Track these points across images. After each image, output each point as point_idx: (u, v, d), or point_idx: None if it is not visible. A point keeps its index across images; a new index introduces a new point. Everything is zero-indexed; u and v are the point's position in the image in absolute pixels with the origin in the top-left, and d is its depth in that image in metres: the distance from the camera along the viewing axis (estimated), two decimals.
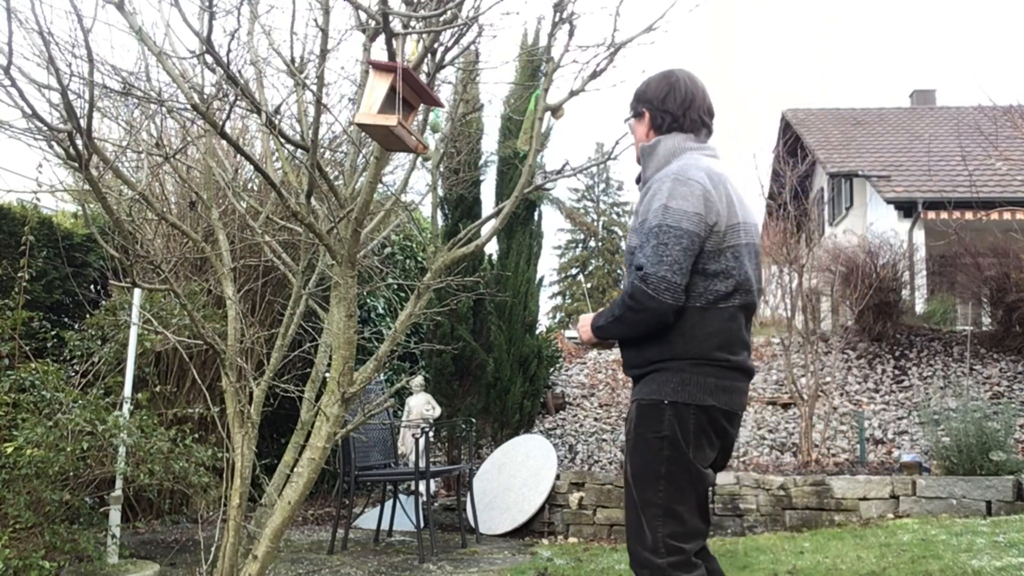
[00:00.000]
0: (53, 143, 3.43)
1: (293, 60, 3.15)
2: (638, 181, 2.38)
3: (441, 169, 5.59)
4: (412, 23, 2.69)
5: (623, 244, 29.10)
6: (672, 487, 2.07)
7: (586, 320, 2.25)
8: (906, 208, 12.89)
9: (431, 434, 6.28)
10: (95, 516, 4.29)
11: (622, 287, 2.20)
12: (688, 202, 2.06)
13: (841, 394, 8.25)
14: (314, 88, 2.76)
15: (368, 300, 7.90)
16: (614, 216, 39.81)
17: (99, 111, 4.26)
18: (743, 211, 2.18)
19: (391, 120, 2.29)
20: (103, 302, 6.12)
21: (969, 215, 11.82)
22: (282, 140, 3.16)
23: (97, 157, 2.72)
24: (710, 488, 2.18)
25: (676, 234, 2.03)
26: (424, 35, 2.80)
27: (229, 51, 2.49)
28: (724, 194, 2.13)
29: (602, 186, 40.04)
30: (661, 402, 2.08)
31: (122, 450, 4.26)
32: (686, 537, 2.07)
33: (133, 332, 4.83)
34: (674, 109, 2.26)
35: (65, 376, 4.57)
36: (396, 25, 2.44)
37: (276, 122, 2.85)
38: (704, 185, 2.09)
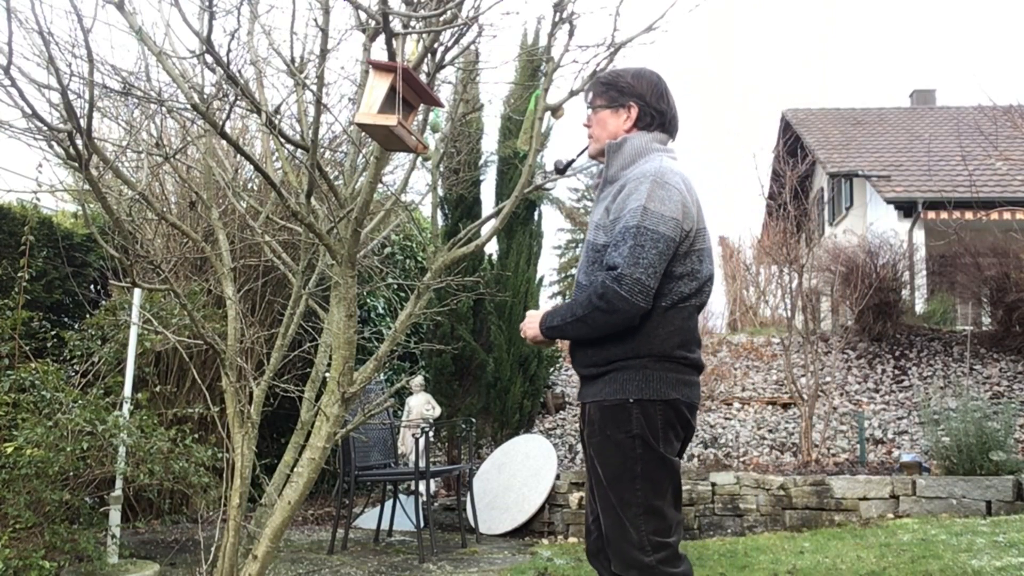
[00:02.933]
0: (53, 143, 3.43)
1: (293, 60, 3.15)
2: (560, 171, 2.42)
3: (441, 169, 5.59)
4: (412, 23, 2.68)
5: None
6: (649, 484, 2.08)
7: (534, 318, 2.22)
8: (906, 208, 12.90)
9: (431, 434, 6.28)
10: (95, 516, 4.29)
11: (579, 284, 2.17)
12: (667, 206, 2.06)
13: (841, 394, 8.25)
14: (314, 88, 2.76)
15: (368, 300, 7.90)
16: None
17: (99, 111, 4.26)
18: (701, 215, 2.21)
19: (391, 120, 2.29)
20: (103, 302, 6.12)
21: (969, 215, 11.82)
22: (282, 140, 3.16)
23: (97, 157, 2.72)
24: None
25: (654, 237, 2.03)
26: (424, 35, 2.80)
27: (229, 51, 2.49)
28: (694, 199, 2.17)
29: None
30: (627, 401, 2.08)
31: (122, 450, 4.26)
32: (668, 531, 2.10)
33: (133, 332, 4.83)
34: (665, 110, 2.28)
35: (65, 376, 4.57)
36: (396, 25, 2.44)
37: (276, 122, 2.85)
38: (682, 191, 2.11)
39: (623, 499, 2.09)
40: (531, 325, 2.22)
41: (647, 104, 2.26)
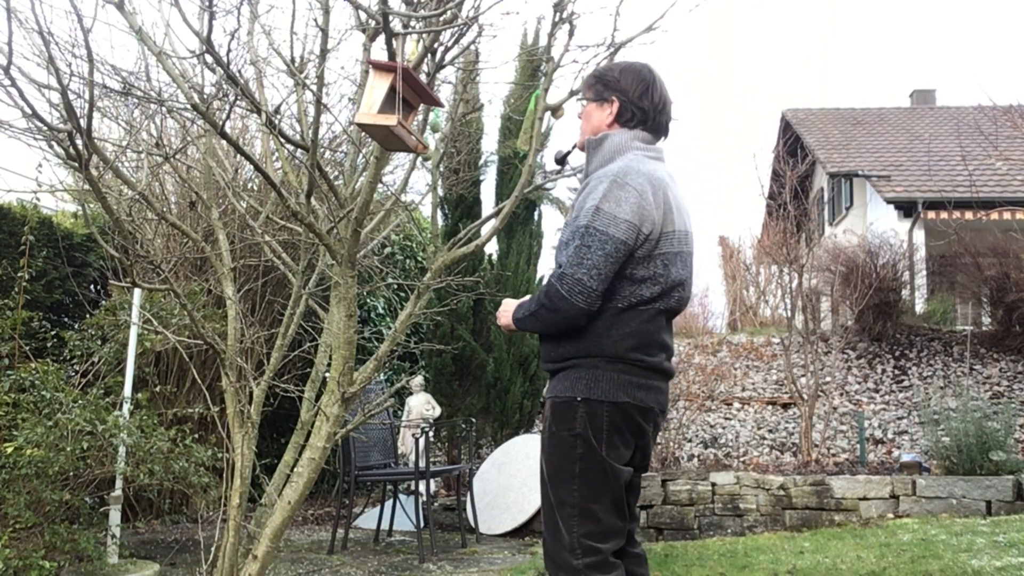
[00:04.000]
0: (53, 143, 3.43)
1: (293, 60, 3.15)
2: (558, 161, 2.39)
3: (441, 169, 5.59)
4: (412, 23, 2.68)
5: None
6: (586, 486, 2.04)
7: (510, 307, 2.21)
8: (906, 208, 12.90)
9: (431, 434, 6.28)
10: (95, 516, 4.28)
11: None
12: (621, 208, 2.01)
13: (841, 394, 8.25)
14: (314, 88, 2.76)
15: (368, 300, 7.90)
16: None
17: (99, 111, 4.26)
18: (680, 218, 2.14)
19: (391, 120, 2.28)
20: (103, 302, 6.12)
21: (969, 215, 11.83)
22: (282, 140, 3.16)
23: (97, 157, 2.72)
24: (626, 486, 2.13)
25: (601, 239, 1.99)
26: (424, 35, 2.80)
27: (229, 51, 2.49)
28: (662, 201, 2.08)
29: None
30: (574, 399, 2.05)
31: (122, 450, 4.26)
32: (602, 536, 2.04)
33: (133, 332, 4.83)
34: (648, 108, 2.20)
35: (65, 376, 4.57)
36: (396, 25, 2.44)
37: (276, 122, 2.85)
38: (641, 192, 2.04)
39: (560, 498, 2.06)
40: (505, 313, 2.22)
41: (629, 100, 2.19)
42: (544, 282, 2.19)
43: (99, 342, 5.09)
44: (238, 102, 3.04)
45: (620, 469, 2.07)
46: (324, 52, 2.73)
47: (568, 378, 2.08)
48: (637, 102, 2.19)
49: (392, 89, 2.30)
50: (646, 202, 2.04)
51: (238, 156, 5.22)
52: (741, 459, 7.08)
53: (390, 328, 6.84)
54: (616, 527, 2.08)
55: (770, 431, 7.71)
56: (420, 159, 4.39)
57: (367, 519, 6.47)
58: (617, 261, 2.01)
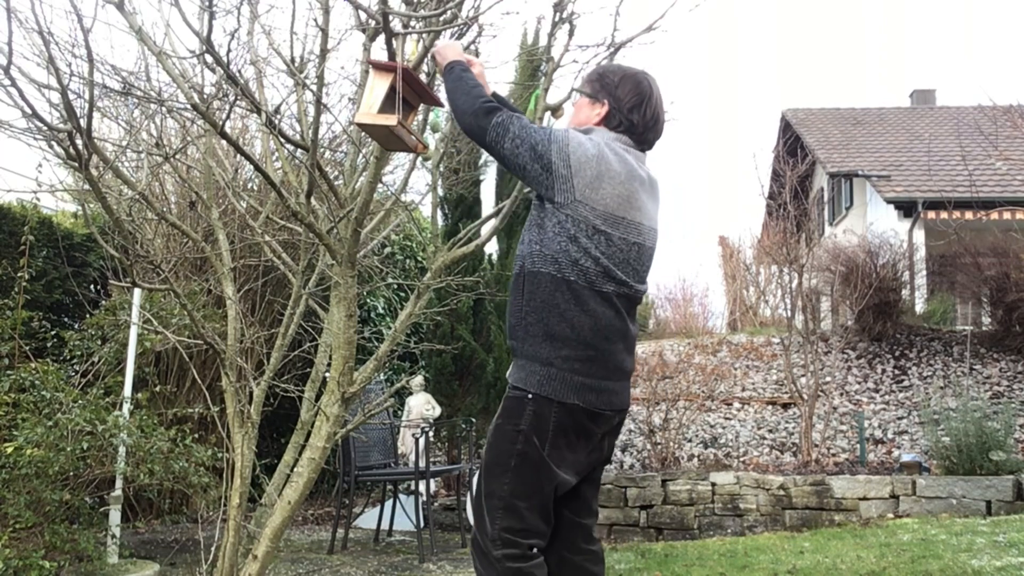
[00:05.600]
0: (53, 143, 3.43)
1: (293, 60, 3.15)
2: None
3: (441, 169, 5.58)
4: (412, 23, 2.68)
5: None
6: (518, 482, 2.04)
7: (451, 53, 2.29)
8: (906, 208, 12.90)
9: (431, 434, 6.28)
10: (95, 516, 4.29)
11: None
12: (572, 141, 2.03)
13: (841, 394, 8.25)
14: (314, 88, 2.76)
15: (368, 300, 7.90)
16: None
17: (99, 111, 4.26)
18: (641, 214, 2.12)
19: (391, 120, 2.28)
20: (103, 302, 6.12)
21: (969, 215, 11.83)
22: (282, 140, 3.16)
23: (97, 157, 2.72)
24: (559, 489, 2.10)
25: (541, 134, 2.05)
26: (424, 35, 2.80)
27: (229, 51, 2.49)
28: (625, 192, 2.07)
29: None
30: (526, 396, 2.05)
31: (122, 450, 4.26)
32: (522, 534, 2.04)
33: (133, 332, 4.83)
34: (636, 121, 2.18)
35: (65, 376, 4.57)
36: (396, 25, 2.44)
37: (276, 122, 2.85)
38: (599, 155, 2.05)
39: (490, 488, 2.07)
40: (447, 56, 2.29)
41: (618, 108, 2.18)
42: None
43: (99, 342, 5.10)
44: (238, 102, 3.04)
45: (556, 473, 2.05)
46: (324, 52, 2.73)
47: (524, 369, 2.08)
48: (627, 114, 2.18)
49: (392, 89, 2.30)
50: (585, 161, 2.04)
51: (238, 156, 5.21)
52: (741, 459, 7.08)
53: (390, 328, 6.84)
54: (539, 529, 2.07)
55: (770, 431, 7.70)
56: (420, 159, 4.39)
57: (367, 519, 6.47)
58: (528, 150, 2.04)
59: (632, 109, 2.17)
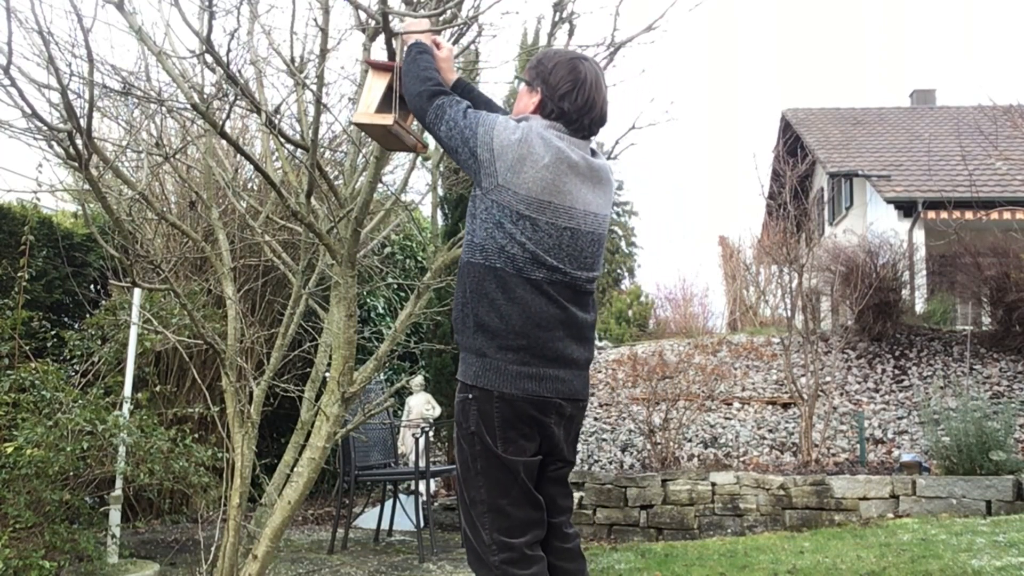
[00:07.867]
0: (53, 143, 3.43)
1: (293, 60, 3.15)
2: None
3: (441, 169, 5.59)
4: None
5: (622, 243, 29.17)
6: (491, 483, 2.03)
7: (414, 34, 2.30)
8: (906, 208, 12.90)
9: (431, 434, 6.28)
10: (95, 516, 4.29)
11: None
12: (495, 124, 2.03)
13: (841, 394, 8.25)
14: (314, 88, 2.76)
15: (368, 300, 7.90)
16: (613, 216, 39.81)
17: (99, 111, 4.26)
18: (573, 198, 2.07)
19: (388, 119, 2.28)
20: (103, 302, 6.12)
21: (969, 215, 11.82)
22: (282, 140, 3.16)
23: (97, 157, 2.73)
24: (533, 474, 2.08)
25: (471, 115, 2.06)
26: (424, 35, 2.80)
27: (229, 51, 2.49)
28: (550, 176, 2.03)
29: None
30: (467, 396, 2.04)
31: (122, 450, 4.27)
32: (515, 531, 2.03)
33: (133, 332, 4.83)
34: (568, 109, 2.10)
35: (65, 376, 4.57)
36: (396, 25, 2.44)
37: (276, 122, 2.85)
38: (525, 139, 2.02)
39: (471, 496, 2.06)
40: (409, 37, 2.30)
41: (550, 97, 2.11)
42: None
43: (99, 342, 5.10)
44: (238, 102, 3.04)
45: (519, 462, 2.03)
46: (324, 52, 2.73)
47: (464, 362, 2.08)
48: (557, 102, 2.10)
49: (390, 88, 2.30)
50: (507, 148, 2.01)
51: (238, 156, 5.22)
52: (741, 459, 7.08)
53: (390, 328, 6.84)
54: (530, 518, 2.06)
55: (770, 431, 7.70)
56: (420, 159, 4.39)
57: (367, 519, 6.47)
58: (459, 135, 2.06)
59: (563, 96, 2.10)
